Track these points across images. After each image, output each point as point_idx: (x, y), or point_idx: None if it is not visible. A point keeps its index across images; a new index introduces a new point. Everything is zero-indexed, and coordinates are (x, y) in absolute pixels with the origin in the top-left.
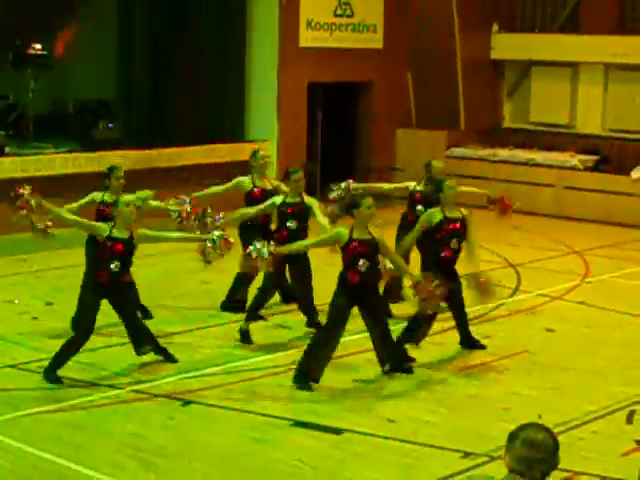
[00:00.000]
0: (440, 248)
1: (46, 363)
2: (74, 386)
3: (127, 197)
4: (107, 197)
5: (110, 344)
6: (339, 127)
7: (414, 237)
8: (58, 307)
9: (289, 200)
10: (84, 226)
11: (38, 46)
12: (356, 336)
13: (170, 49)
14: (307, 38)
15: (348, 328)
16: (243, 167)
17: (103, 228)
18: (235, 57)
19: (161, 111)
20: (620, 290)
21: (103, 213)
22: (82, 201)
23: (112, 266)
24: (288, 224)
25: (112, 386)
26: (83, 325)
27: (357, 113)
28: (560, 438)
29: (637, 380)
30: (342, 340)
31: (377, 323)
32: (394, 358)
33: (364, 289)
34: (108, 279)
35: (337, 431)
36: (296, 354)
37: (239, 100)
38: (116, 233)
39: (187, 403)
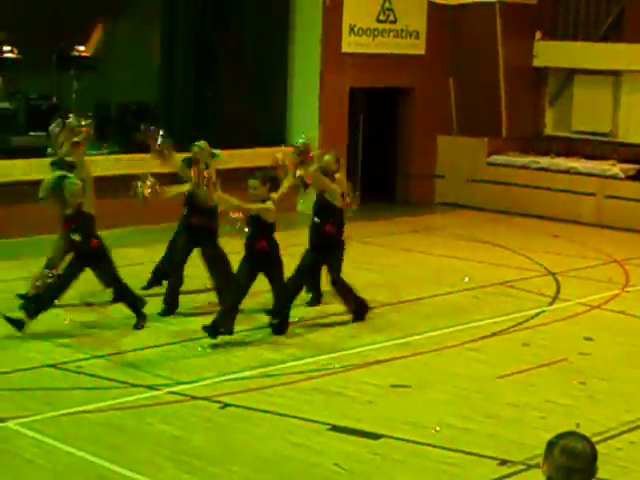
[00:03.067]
0: None
1: (86, 362)
2: (113, 387)
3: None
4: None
5: (149, 345)
6: (380, 133)
7: None
8: (97, 307)
9: None
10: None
11: (81, 48)
12: (391, 342)
13: (212, 51)
14: (350, 43)
15: (390, 335)
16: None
17: None
18: (277, 61)
19: (203, 114)
20: None
21: None
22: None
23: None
24: None
25: (150, 387)
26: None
27: (398, 119)
28: (597, 447)
29: None
30: (379, 346)
31: None
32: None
33: None
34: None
35: (375, 436)
36: (333, 358)
37: (281, 104)
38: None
39: (225, 406)
